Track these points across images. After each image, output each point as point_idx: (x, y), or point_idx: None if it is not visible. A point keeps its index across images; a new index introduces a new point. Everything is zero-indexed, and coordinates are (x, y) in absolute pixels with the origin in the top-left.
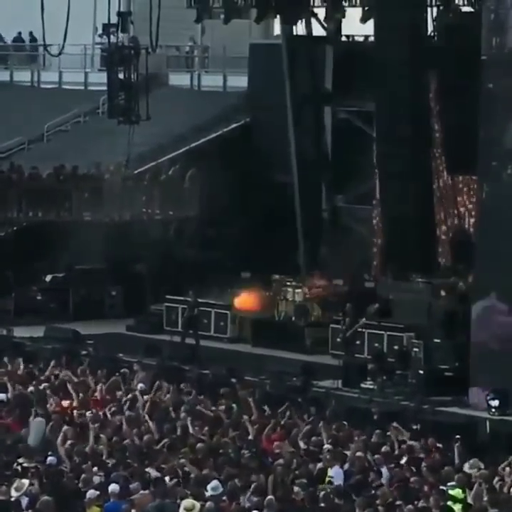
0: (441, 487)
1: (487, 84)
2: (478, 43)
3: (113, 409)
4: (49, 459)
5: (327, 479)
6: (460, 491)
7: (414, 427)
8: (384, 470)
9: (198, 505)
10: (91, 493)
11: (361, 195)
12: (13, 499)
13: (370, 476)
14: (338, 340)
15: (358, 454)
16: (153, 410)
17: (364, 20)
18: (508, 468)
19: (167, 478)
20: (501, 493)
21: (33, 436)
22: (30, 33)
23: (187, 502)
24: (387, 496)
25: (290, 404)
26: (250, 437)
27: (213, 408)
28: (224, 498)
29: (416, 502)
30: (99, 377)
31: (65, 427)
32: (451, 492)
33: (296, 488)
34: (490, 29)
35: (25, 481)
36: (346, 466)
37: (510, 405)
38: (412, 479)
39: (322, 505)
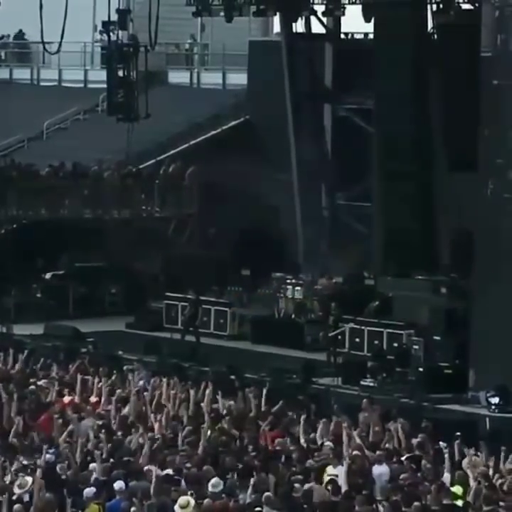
0: (443, 485)
1: (491, 81)
2: (478, 40)
3: (113, 406)
4: (47, 455)
5: (328, 478)
6: (460, 488)
7: (424, 425)
8: (384, 467)
9: (192, 502)
10: (88, 491)
11: (361, 193)
12: (15, 497)
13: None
14: (321, 338)
15: (355, 452)
16: (154, 408)
17: (368, 19)
18: (509, 466)
19: (168, 476)
20: (500, 490)
21: None
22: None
23: (182, 499)
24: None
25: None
26: (249, 434)
27: (214, 405)
28: (223, 495)
29: (417, 499)
30: (99, 375)
31: (66, 424)
32: (452, 489)
33: (296, 485)
34: (494, 26)
35: (29, 479)
36: (345, 464)
37: (510, 402)
38: (412, 476)
39: (320, 502)
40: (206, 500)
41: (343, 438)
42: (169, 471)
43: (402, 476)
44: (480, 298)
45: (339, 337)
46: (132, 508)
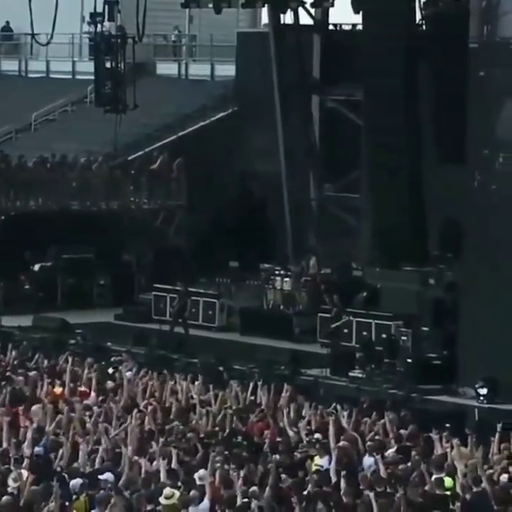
0: (433, 475)
1: (478, 72)
2: (466, 30)
3: (101, 397)
4: (36, 448)
5: (315, 468)
6: (450, 479)
7: (403, 414)
8: (373, 458)
9: (177, 493)
10: (75, 482)
11: (350, 184)
12: (9, 489)
13: (359, 465)
14: (324, 331)
15: (342, 443)
16: (143, 399)
17: (357, 10)
18: (497, 456)
19: (158, 468)
20: (491, 480)
21: None
22: None
23: (167, 490)
24: (375, 483)
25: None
26: (235, 426)
27: (203, 397)
28: (216, 485)
29: (405, 490)
30: (87, 366)
31: (56, 416)
32: (443, 480)
33: (283, 476)
34: (480, 17)
35: (24, 472)
36: (334, 455)
37: (498, 393)
38: (401, 467)
39: (310, 492)
40: (193, 492)
41: (330, 429)
42: (157, 463)
43: (390, 467)
44: (468, 289)
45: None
46: (112, 499)
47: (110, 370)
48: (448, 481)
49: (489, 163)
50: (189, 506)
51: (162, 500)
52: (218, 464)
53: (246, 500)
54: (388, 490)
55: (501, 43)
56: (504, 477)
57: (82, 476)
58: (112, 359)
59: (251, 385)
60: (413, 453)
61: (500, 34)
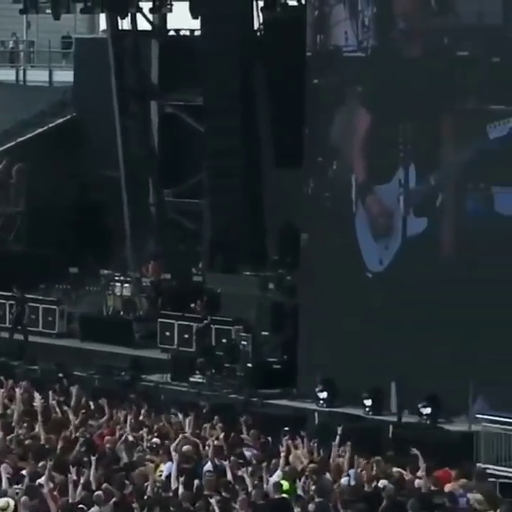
0: (269, 478)
1: (312, 81)
2: (303, 36)
3: None
4: None
5: (158, 473)
6: (288, 482)
7: (244, 419)
8: (215, 462)
9: (12, 503)
10: None
11: (189, 189)
12: None
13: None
14: (193, 335)
15: (183, 448)
16: None
17: (195, 15)
18: (339, 459)
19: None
20: (329, 483)
21: None
22: None
23: (2, 501)
24: (215, 486)
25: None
26: (77, 432)
27: (43, 403)
28: (55, 492)
29: (242, 493)
30: None
31: None
32: (281, 483)
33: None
34: (314, 26)
35: None
36: (175, 460)
37: (338, 397)
38: (240, 471)
39: (151, 498)
40: (24, 498)
41: (171, 434)
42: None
43: (232, 471)
44: (307, 293)
45: None
46: None
47: None
48: (286, 485)
49: (323, 170)
50: None
51: None
52: (58, 472)
53: (83, 506)
54: (228, 494)
55: (333, 52)
56: (344, 480)
57: None
58: None
59: (101, 394)
60: (249, 456)
61: (332, 43)
